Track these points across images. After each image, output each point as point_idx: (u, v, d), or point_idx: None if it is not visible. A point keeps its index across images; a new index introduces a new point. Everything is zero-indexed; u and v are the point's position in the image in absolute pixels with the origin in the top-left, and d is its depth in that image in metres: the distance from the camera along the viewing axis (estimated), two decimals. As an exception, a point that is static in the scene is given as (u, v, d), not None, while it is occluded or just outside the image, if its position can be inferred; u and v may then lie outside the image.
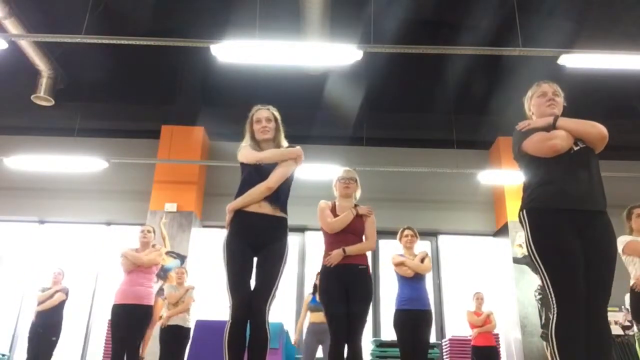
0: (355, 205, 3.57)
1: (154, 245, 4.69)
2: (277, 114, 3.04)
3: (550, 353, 2.23)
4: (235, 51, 4.87)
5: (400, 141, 8.34)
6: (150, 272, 4.50)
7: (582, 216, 2.31)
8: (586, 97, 6.85)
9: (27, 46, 6.41)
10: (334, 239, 3.45)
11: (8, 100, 7.67)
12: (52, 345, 5.66)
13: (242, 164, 2.93)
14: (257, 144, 2.97)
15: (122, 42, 5.24)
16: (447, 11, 6.22)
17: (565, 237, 2.29)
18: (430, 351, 6.01)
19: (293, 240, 8.08)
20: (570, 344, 2.19)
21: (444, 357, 6.92)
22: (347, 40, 5.31)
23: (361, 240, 3.48)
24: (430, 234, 8.14)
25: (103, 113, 8.13)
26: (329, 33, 5.92)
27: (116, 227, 7.94)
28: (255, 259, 2.77)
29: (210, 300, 6.64)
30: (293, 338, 5.73)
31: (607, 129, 2.57)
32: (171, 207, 7.41)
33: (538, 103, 2.58)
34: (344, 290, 3.31)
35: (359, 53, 4.92)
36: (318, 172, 6.68)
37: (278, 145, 2.97)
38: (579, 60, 5.04)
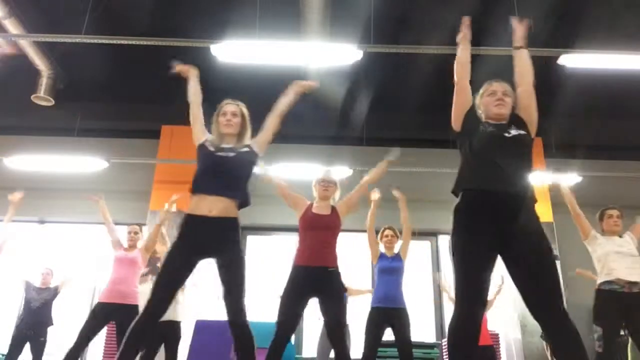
0: (332, 207, 3.58)
1: (147, 248, 4.72)
2: (245, 110, 3.02)
3: (550, 355, 2.23)
4: (235, 51, 4.87)
5: (400, 141, 8.33)
6: (137, 269, 4.54)
7: (501, 199, 2.29)
8: (586, 97, 6.86)
9: (27, 46, 6.41)
10: (308, 235, 3.45)
11: (8, 100, 7.66)
12: (41, 345, 5.61)
13: (200, 146, 2.92)
14: (220, 138, 2.94)
15: (122, 42, 5.24)
16: (447, 11, 6.21)
17: (475, 225, 2.28)
18: (430, 351, 6.02)
19: (290, 241, 8.08)
20: (463, 351, 2.18)
21: (444, 357, 6.92)
22: (347, 40, 5.31)
23: (335, 237, 3.48)
24: (430, 234, 8.13)
25: (103, 113, 8.13)
26: (329, 33, 5.91)
27: (116, 227, 7.93)
28: (199, 264, 2.75)
29: (210, 301, 6.64)
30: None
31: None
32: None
33: (486, 102, 2.58)
34: (308, 293, 3.31)
35: (359, 53, 4.92)
36: (318, 172, 6.66)
37: (241, 143, 2.94)
38: (579, 60, 5.04)
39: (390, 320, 4.21)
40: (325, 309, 3.31)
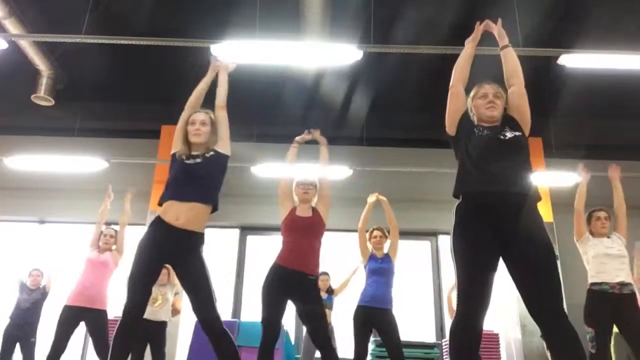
0: (313, 209, 3.59)
1: (119, 250, 4.75)
2: (214, 118, 3.04)
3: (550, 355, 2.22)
4: (235, 51, 4.86)
5: (401, 141, 8.33)
6: (108, 272, 4.55)
7: (501, 199, 2.29)
8: (586, 97, 6.86)
9: (27, 46, 6.41)
10: (291, 237, 3.45)
11: (8, 100, 7.66)
12: (32, 346, 5.61)
13: (172, 155, 2.97)
14: (188, 147, 2.95)
15: (122, 42, 5.23)
16: (447, 11, 6.21)
17: (476, 226, 2.28)
18: (430, 351, 6.02)
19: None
20: (465, 352, 2.19)
21: (444, 357, 6.92)
22: (347, 40, 5.31)
23: (319, 240, 3.48)
24: (430, 234, 8.14)
25: (103, 113, 8.12)
26: (329, 33, 5.91)
27: (116, 227, 7.93)
28: (169, 267, 2.80)
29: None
30: None
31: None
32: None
33: (478, 104, 2.57)
34: (286, 296, 3.33)
35: (359, 53, 4.91)
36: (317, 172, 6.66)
37: (209, 152, 2.96)
38: (579, 60, 5.04)
39: (374, 320, 4.20)
40: (304, 315, 3.33)
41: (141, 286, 2.67)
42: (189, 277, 2.73)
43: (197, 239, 2.81)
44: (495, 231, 2.25)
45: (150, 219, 7.27)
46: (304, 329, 5.51)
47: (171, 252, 2.74)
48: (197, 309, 2.69)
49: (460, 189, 2.42)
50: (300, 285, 3.31)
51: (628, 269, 3.95)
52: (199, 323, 2.70)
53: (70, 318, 4.33)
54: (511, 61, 2.65)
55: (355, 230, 4.63)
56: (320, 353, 3.28)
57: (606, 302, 3.83)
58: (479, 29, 2.78)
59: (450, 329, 2.27)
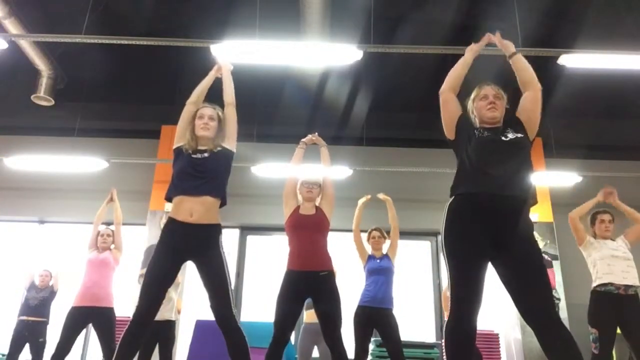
0: (317, 207, 3.59)
1: (117, 247, 4.76)
2: (221, 114, 3.05)
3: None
4: (235, 51, 4.86)
5: (400, 141, 8.33)
6: (110, 270, 4.55)
7: (497, 201, 2.28)
8: (586, 97, 6.86)
9: (27, 46, 6.41)
10: (296, 236, 3.46)
11: (8, 100, 7.67)
12: (41, 346, 5.60)
13: (176, 149, 2.96)
14: (195, 141, 2.95)
15: (122, 42, 5.23)
16: (447, 11, 6.22)
17: (469, 226, 2.27)
18: (430, 351, 6.01)
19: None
20: (460, 351, 2.18)
21: (444, 357, 6.92)
22: (347, 40, 5.31)
23: (324, 236, 3.49)
24: (430, 234, 8.14)
25: (103, 113, 8.13)
26: (329, 33, 5.91)
27: (112, 227, 7.93)
28: (183, 266, 2.80)
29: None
30: None
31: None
32: (171, 207, 7.40)
33: (479, 106, 2.56)
34: (301, 297, 3.34)
35: (359, 53, 4.91)
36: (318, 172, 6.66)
37: (216, 147, 2.96)
38: (579, 60, 5.04)
39: (374, 320, 4.20)
40: (320, 311, 3.33)
41: (155, 292, 2.66)
42: (207, 272, 2.73)
43: (215, 230, 2.81)
44: (488, 231, 2.25)
45: (150, 218, 7.34)
46: (302, 327, 5.51)
47: (191, 250, 2.74)
48: (213, 304, 2.70)
49: (458, 189, 2.41)
50: (313, 285, 3.32)
51: (635, 272, 3.89)
52: (215, 318, 2.70)
53: (77, 319, 4.32)
54: (524, 69, 2.59)
55: (346, 230, 4.62)
56: (331, 353, 3.29)
57: (610, 303, 3.79)
58: (483, 40, 2.76)
59: (444, 329, 2.27)
